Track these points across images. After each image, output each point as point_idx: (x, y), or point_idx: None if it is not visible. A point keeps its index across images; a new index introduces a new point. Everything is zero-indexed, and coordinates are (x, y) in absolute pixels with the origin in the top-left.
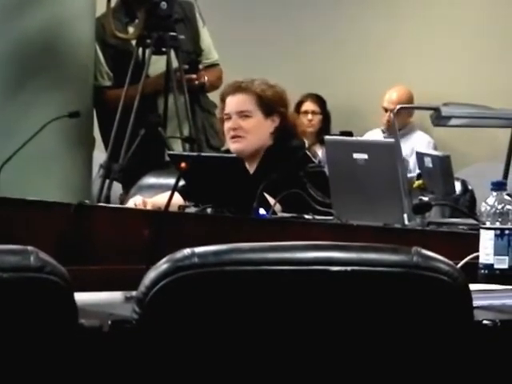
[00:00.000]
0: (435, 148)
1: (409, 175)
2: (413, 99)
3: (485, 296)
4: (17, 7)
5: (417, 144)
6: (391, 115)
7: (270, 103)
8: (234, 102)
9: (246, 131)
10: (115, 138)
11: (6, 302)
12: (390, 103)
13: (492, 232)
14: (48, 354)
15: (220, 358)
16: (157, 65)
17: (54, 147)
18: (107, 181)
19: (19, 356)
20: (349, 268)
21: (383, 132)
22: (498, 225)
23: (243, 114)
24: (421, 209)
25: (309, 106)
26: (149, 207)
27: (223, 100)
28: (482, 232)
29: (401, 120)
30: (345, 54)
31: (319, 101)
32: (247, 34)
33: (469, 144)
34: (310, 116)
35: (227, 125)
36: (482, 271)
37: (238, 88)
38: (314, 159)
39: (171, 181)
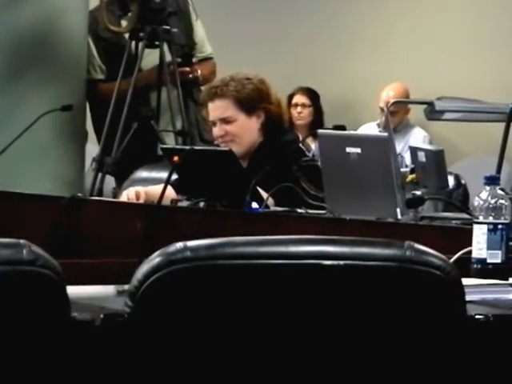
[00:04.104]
0: (431, 142)
1: (402, 169)
2: (409, 96)
3: (477, 290)
4: (9, 0)
5: (413, 140)
6: (385, 109)
7: (250, 101)
8: (214, 110)
9: (233, 135)
10: (108, 131)
11: None
12: (387, 103)
13: (485, 226)
14: (40, 348)
15: (212, 352)
16: (150, 58)
17: (46, 140)
18: (100, 174)
19: (11, 349)
20: (341, 262)
21: (378, 126)
22: (491, 219)
23: (226, 121)
24: (414, 203)
25: (299, 98)
26: (142, 196)
27: (206, 105)
28: (475, 226)
29: (398, 117)
30: (339, 49)
31: (310, 94)
32: (241, 28)
33: (462, 138)
34: (299, 109)
35: (214, 132)
36: (475, 266)
37: (214, 94)
38: (307, 153)
39: (164, 174)
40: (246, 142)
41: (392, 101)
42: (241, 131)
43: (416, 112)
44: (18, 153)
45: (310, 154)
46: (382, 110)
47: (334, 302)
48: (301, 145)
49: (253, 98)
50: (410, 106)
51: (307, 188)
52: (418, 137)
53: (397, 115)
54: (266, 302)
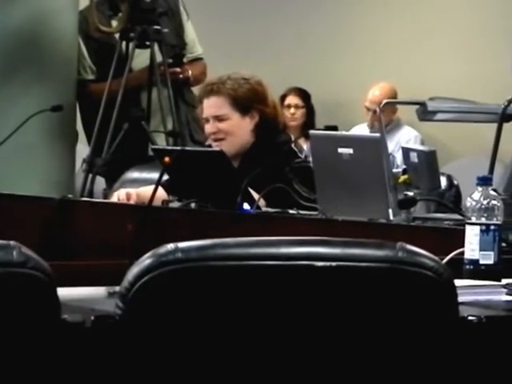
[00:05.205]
0: (422, 142)
1: (394, 170)
2: (396, 95)
3: (470, 292)
4: None
5: (404, 139)
6: (377, 110)
7: (245, 101)
8: (209, 106)
9: (225, 133)
10: (98, 132)
11: None
12: (373, 103)
13: (477, 227)
14: (30, 350)
15: (204, 353)
16: (140, 58)
17: (36, 141)
18: (90, 175)
19: (1, 351)
20: (333, 263)
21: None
22: (483, 220)
23: (220, 118)
24: (406, 204)
25: (291, 99)
26: (133, 198)
27: (201, 102)
28: (468, 227)
29: (385, 117)
30: (331, 49)
31: (302, 94)
32: (232, 28)
33: (455, 139)
34: (292, 110)
35: (207, 129)
36: (468, 267)
37: (210, 91)
38: (300, 154)
39: (155, 175)
40: (237, 142)
41: (385, 101)
42: (233, 130)
43: (408, 112)
44: (8, 154)
45: (303, 155)
46: (368, 109)
47: (326, 304)
48: (293, 146)
49: (248, 98)
50: (403, 106)
51: (299, 189)
52: (408, 136)
53: (384, 115)
54: (257, 304)
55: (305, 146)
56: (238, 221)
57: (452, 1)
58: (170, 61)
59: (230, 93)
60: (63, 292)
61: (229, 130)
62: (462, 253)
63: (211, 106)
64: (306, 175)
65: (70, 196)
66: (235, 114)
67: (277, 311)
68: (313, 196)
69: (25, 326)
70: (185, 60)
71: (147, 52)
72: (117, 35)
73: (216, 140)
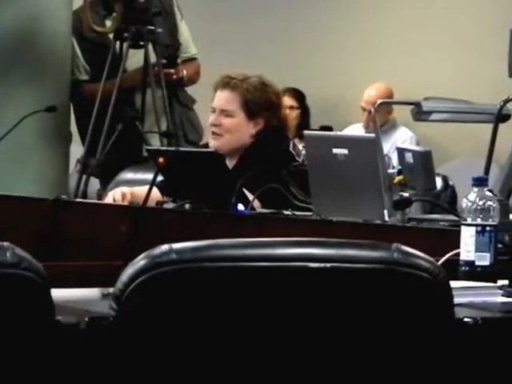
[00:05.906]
0: (418, 143)
1: (390, 171)
2: (392, 96)
3: (466, 293)
4: None
5: (399, 140)
6: (372, 110)
7: (255, 106)
8: (220, 98)
9: (225, 129)
10: (92, 132)
11: None
12: (369, 103)
13: (473, 228)
14: (24, 351)
15: (198, 355)
16: (134, 58)
17: (30, 142)
18: (84, 176)
19: None
20: (328, 264)
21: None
22: (479, 221)
23: (225, 113)
24: (401, 205)
25: (286, 100)
26: (128, 197)
27: (215, 91)
28: (463, 228)
29: (380, 117)
30: (326, 49)
31: (297, 95)
32: (226, 28)
33: (450, 139)
34: (287, 111)
35: (210, 118)
36: (463, 268)
37: (226, 84)
38: (297, 158)
39: (149, 176)
40: (234, 141)
41: (380, 101)
42: (234, 129)
43: (404, 113)
44: (2, 154)
45: (300, 159)
46: (364, 109)
47: (320, 305)
48: (291, 149)
49: (259, 104)
50: (398, 106)
51: (296, 193)
52: (404, 137)
53: (379, 115)
54: (252, 305)
55: (300, 146)
56: (232, 222)
57: (448, 1)
58: (164, 61)
59: (243, 93)
60: (57, 293)
61: (230, 127)
62: (458, 254)
63: (222, 98)
64: (302, 179)
65: (63, 197)
66: (241, 114)
67: (272, 312)
68: (309, 200)
69: (18, 328)
70: (179, 60)
71: (141, 52)
72: (111, 35)
73: (214, 133)
